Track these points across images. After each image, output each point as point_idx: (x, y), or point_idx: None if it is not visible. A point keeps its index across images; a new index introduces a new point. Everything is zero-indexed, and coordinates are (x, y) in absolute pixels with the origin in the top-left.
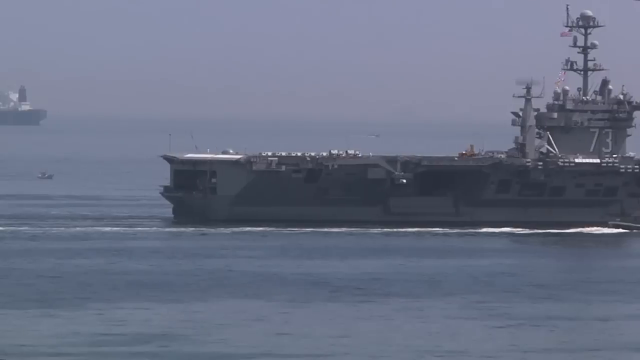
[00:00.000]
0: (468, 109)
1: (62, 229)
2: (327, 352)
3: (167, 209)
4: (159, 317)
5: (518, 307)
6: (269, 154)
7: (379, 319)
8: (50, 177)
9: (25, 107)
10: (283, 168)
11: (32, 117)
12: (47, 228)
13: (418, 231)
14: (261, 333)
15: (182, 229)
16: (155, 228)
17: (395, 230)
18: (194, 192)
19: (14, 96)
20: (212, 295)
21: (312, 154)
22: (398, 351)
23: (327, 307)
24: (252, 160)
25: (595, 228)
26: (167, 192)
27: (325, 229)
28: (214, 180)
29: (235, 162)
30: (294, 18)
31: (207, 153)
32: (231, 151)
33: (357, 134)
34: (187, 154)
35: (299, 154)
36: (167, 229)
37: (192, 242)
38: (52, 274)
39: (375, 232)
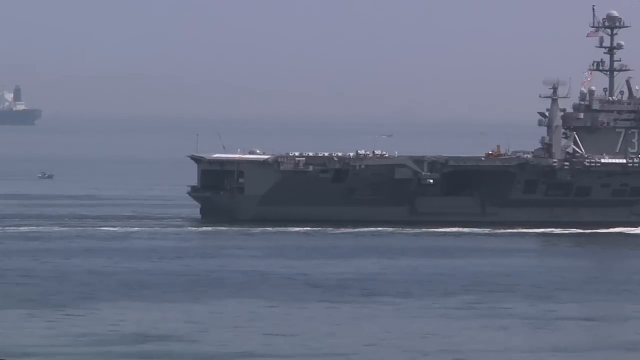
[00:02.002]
0: (470, 109)
1: (79, 228)
2: (322, 353)
3: (193, 210)
4: (157, 317)
5: (519, 307)
6: (297, 154)
7: (373, 319)
8: (50, 177)
9: (20, 107)
10: (310, 168)
11: (27, 117)
12: (77, 228)
13: (425, 232)
14: (254, 333)
15: (203, 229)
16: (180, 228)
17: (402, 230)
18: (222, 192)
19: (9, 96)
20: (209, 296)
21: (340, 154)
22: (391, 352)
23: (324, 307)
24: (279, 160)
25: (633, 228)
26: (194, 192)
27: (331, 230)
28: (241, 180)
29: (263, 163)
30: (294, 17)
31: (237, 153)
32: (258, 151)
33: (370, 134)
34: (215, 154)
35: (326, 154)
36: (192, 229)
37: (200, 243)
38: (59, 275)
39: (383, 232)
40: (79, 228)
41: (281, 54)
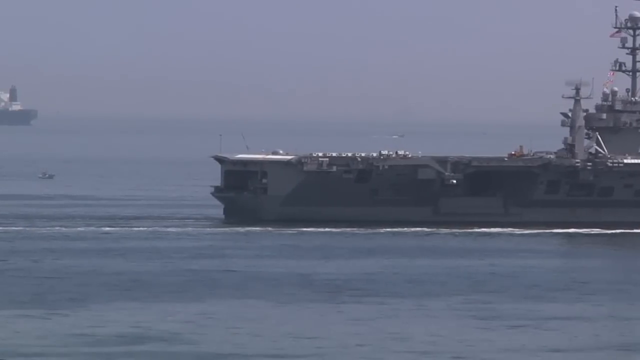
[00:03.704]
0: (478, 110)
1: (105, 228)
2: (319, 352)
3: (217, 210)
4: (153, 317)
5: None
6: (320, 154)
7: (365, 319)
8: (51, 177)
9: (15, 107)
10: (334, 168)
11: (23, 117)
12: (93, 228)
13: (430, 232)
14: (246, 333)
15: (208, 230)
16: (200, 228)
17: (407, 230)
18: (245, 192)
19: (5, 96)
20: (207, 296)
21: (363, 154)
22: (390, 352)
23: (323, 307)
24: (303, 160)
25: None
26: (218, 192)
27: (349, 229)
28: (264, 180)
29: (287, 163)
30: (294, 15)
31: (261, 153)
32: (281, 152)
33: (380, 135)
34: (238, 154)
35: (349, 154)
36: (213, 230)
37: (207, 243)
38: (58, 275)
39: (384, 232)
40: (106, 228)
41: (281, 54)
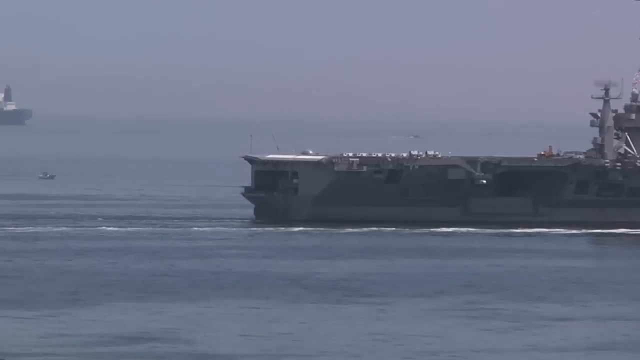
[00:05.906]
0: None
1: (118, 228)
2: (315, 353)
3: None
4: (149, 317)
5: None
6: (350, 154)
7: (360, 320)
8: (52, 177)
9: (10, 107)
10: (364, 169)
11: (17, 117)
12: (100, 228)
13: (435, 231)
14: (240, 333)
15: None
16: (232, 228)
17: (409, 231)
18: (276, 192)
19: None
20: (204, 296)
21: (393, 154)
22: (389, 353)
23: (320, 308)
24: (333, 161)
25: None
26: (248, 192)
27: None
28: (295, 180)
29: (317, 163)
30: (295, 14)
31: (291, 153)
32: (311, 152)
33: (395, 135)
34: (269, 154)
35: (379, 154)
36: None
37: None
38: (59, 275)
39: (387, 231)
40: (135, 228)
41: (283, 53)
